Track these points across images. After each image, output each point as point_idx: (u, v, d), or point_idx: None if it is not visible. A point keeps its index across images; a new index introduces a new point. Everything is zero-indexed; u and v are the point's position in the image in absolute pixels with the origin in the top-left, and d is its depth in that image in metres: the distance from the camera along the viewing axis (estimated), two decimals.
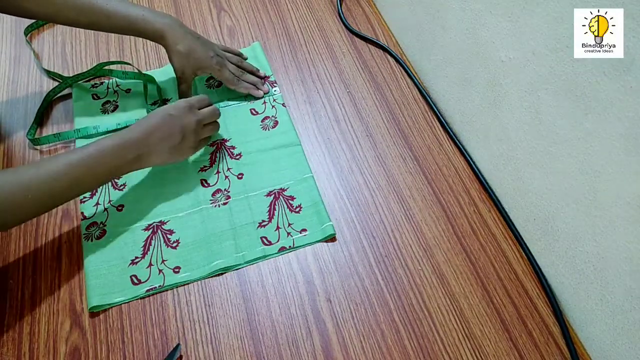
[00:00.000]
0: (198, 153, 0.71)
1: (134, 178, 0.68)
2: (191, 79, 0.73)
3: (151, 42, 0.86)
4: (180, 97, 0.75)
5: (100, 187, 0.67)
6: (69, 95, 0.78)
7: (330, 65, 0.84)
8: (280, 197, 0.67)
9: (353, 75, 0.83)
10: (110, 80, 0.80)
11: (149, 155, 0.60)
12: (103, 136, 0.58)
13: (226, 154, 0.72)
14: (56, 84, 0.78)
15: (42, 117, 0.75)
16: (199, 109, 0.66)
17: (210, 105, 0.68)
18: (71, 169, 0.54)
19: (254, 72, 0.80)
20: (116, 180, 0.68)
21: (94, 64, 0.80)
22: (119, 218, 0.64)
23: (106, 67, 0.80)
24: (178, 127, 0.62)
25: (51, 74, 0.80)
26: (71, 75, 0.79)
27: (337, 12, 0.93)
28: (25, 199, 0.52)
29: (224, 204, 0.66)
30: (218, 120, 0.70)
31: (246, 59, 0.82)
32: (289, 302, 0.59)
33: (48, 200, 0.55)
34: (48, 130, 0.74)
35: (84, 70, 0.79)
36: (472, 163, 0.72)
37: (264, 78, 0.80)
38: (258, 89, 0.78)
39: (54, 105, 0.77)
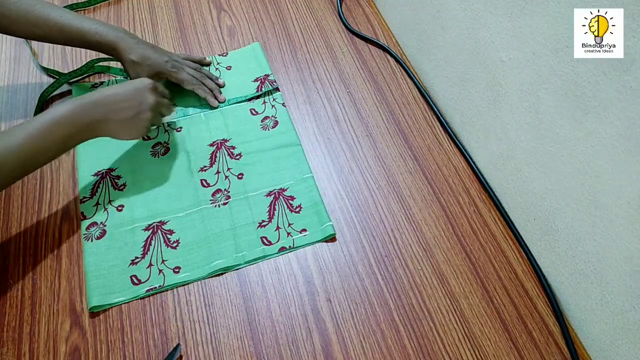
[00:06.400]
0: (198, 153, 0.71)
1: (134, 178, 0.68)
2: None
3: (150, 42, 0.86)
4: None
5: (100, 187, 0.67)
6: (69, 95, 0.78)
7: (330, 65, 0.84)
8: (280, 197, 0.67)
9: (353, 75, 0.83)
10: (110, 80, 0.80)
11: (104, 122, 0.60)
12: (59, 103, 0.58)
13: (226, 154, 0.72)
14: (51, 82, 0.78)
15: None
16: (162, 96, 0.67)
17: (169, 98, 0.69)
18: (28, 140, 0.54)
19: (213, 79, 0.80)
20: (116, 180, 0.68)
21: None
22: (119, 218, 0.64)
23: (104, 64, 0.80)
24: (138, 100, 0.62)
25: (49, 71, 0.80)
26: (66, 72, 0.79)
27: (337, 12, 0.93)
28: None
29: (224, 204, 0.66)
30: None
31: (208, 64, 0.82)
32: (289, 302, 0.59)
33: (9, 172, 0.54)
34: None
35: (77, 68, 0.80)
36: (472, 163, 0.72)
37: (222, 86, 0.80)
38: (215, 96, 0.77)
39: (54, 106, 0.77)
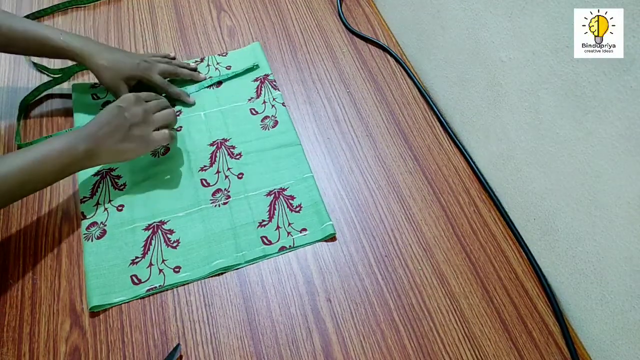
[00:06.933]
0: (198, 153, 0.71)
1: (134, 178, 0.68)
2: (127, 89, 0.72)
3: (150, 42, 0.86)
4: None
5: (100, 187, 0.67)
6: (68, 95, 0.78)
7: (330, 65, 0.84)
8: (280, 196, 0.67)
9: (353, 75, 0.83)
10: None
11: (99, 152, 0.59)
12: (53, 136, 0.58)
13: (226, 153, 0.72)
14: (34, 87, 0.77)
15: (24, 121, 0.74)
16: (147, 101, 0.66)
17: (158, 99, 0.68)
18: (17, 172, 0.54)
19: (185, 66, 0.80)
20: (116, 180, 0.68)
21: None
22: (119, 218, 0.64)
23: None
24: (124, 118, 0.61)
25: (39, 67, 0.80)
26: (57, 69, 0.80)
27: (337, 12, 0.93)
28: None
29: (224, 203, 0.66)
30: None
31: (174, 58, 0.82)
32: (289, 302, 0.59)
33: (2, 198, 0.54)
34: (49, 130, 0.74)
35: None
36: (472, 163, 0.72)
37: (196, 70, 0.82)
38: (188, 95, 0.77)
39: (54, 106, 0.77)
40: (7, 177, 0.54)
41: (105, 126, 0.60)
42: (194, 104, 0.77)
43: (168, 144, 0.71)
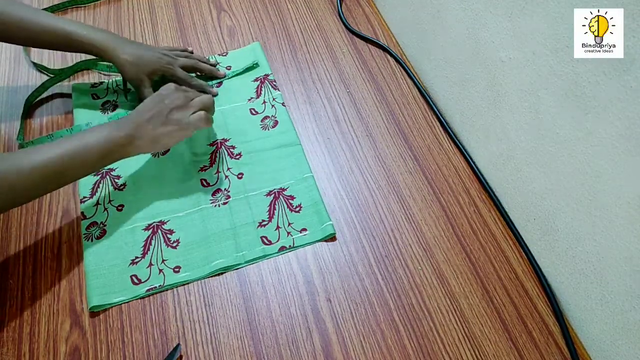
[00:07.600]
0: (199, 152, 0.71)
1: (134, 178, 0.68)
2: (149, 84, 0.72)
3: (150, 42, 0.86)
4: None
5: (100, 187, 0.67)
6: (68, 95, 0.78)
7: (330, 65, 0.84)
8: (280, 196, 0.67)
9: (353, 75, 0.83)
10: (110, 80, 0.80)
11: (139, 138, 0.60)
12: (97, 125, 0.59)
13: (226, 153, 0.72)
14: (35, 87, 0.77)
15: (26, 120, 0.74)
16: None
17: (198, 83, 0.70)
18: (58, 160, 0.54)
19: (206, 61, 0.81)
20: (116, 180, 0.68)
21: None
22: (119, 218, 0.64)
23: (90, 59, 0.81)
24: (164, 104, 0.62)
25: (38, 67, 0.80)
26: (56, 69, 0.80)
27: (337, 12, 0.93)
28: (19, 182, 0.52)
29: (224, 203, 0.66)
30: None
31: (192, 52, 0.83)
32: (289, 302, 0.59)
33: (42, 185, 0.55)
34: (49, 129, 0.74)
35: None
36: (472, 163, 0.72)
37: (215, 65, 0.83)
38: (212, 87, 0.79)
39: (54, 105, 0.77)
40: (48, 164, 0.54)
41: (146, 113, 0.61)
42: (216, 95, 0.78)
43: (205, 126, 0.68)
